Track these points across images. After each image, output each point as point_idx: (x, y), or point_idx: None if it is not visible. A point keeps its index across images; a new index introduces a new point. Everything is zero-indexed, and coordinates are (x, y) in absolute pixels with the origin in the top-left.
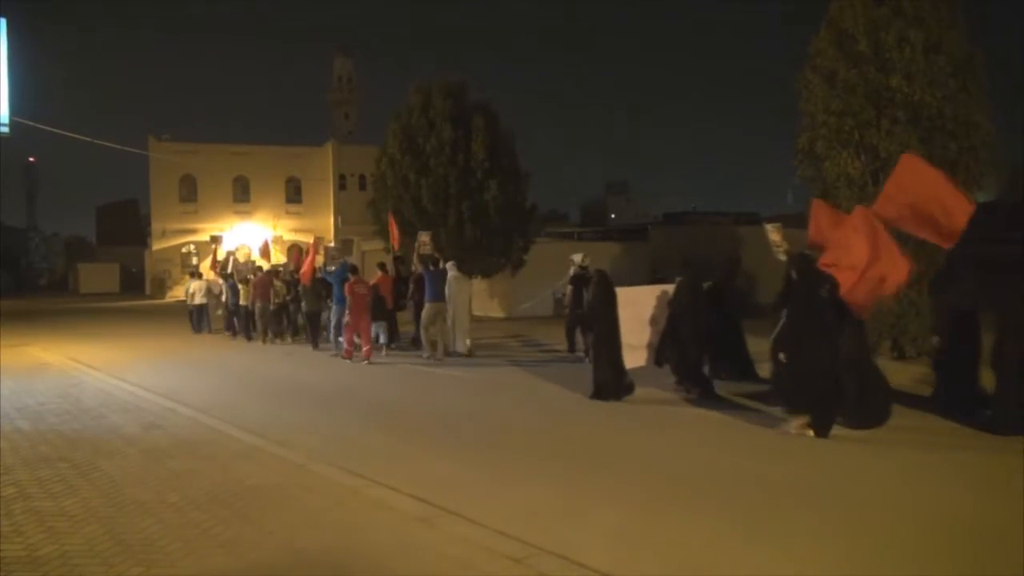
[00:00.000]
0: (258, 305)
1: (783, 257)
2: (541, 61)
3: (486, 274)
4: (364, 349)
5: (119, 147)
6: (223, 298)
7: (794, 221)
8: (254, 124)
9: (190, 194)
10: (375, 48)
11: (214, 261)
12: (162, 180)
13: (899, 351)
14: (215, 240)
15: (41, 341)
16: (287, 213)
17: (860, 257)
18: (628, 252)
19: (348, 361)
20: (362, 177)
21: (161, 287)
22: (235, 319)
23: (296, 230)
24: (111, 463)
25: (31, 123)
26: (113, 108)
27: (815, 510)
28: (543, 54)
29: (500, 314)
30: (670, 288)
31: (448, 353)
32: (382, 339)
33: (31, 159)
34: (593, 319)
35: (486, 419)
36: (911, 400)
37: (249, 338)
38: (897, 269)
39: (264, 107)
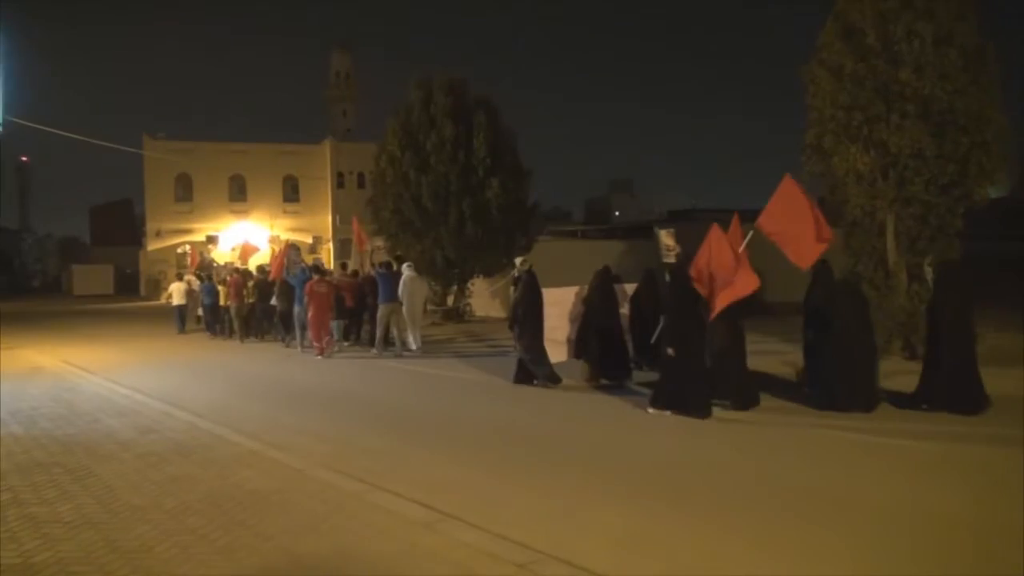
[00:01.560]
0: (233, 305)
1: (673, 260)
2: (543, 56)
3: (487, 274)
4: (321, 343)
5: (113, 146)
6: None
7: None
8: (250, 122)
9: (186, 193)
10: (374, 43)
11: (193, 262)
12: (157, 179)
13: (911, 351)
14: (211, 240)
15: (35, 344)
16: (284, 212)
17: (710, 267)
18: (633, 250)
19: (319, 357)
20: (361, 175)
21: (156, 288)
22: (211, 319)
23: (294, 229)
24: (106, 468)
25: (24, 122)
26: (107, 107)
27: (835, 516)
28: (545, 49)
29: (501, 314)
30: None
31: (405, 349)
32: (335, 335)
33: (24, 158)
34: (519, 316)
35: (480, 419)
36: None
37: (226, 336)
38: (745, 280)
39: (261, 104)
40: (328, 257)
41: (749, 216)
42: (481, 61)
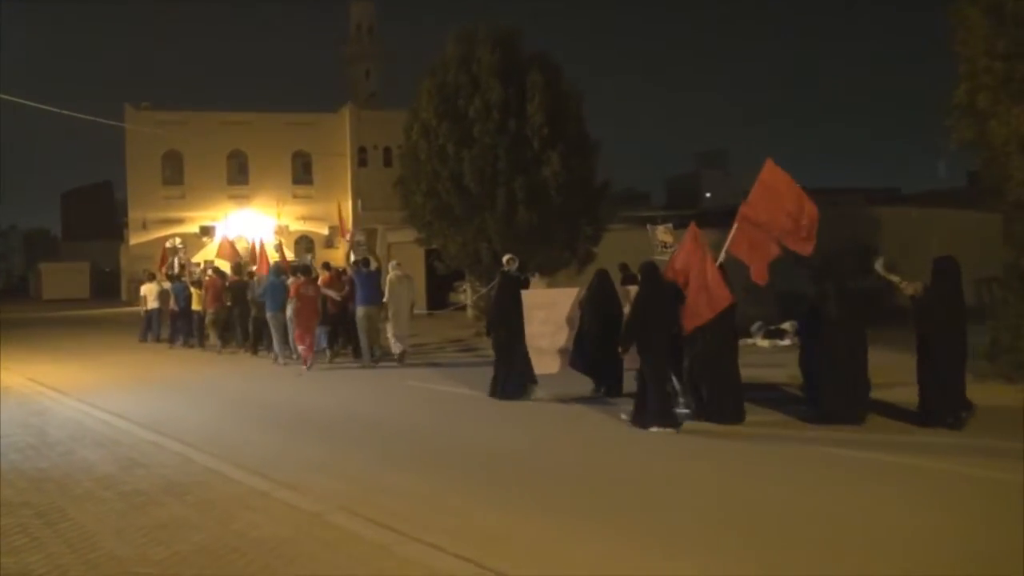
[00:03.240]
0: (210, 311)
1: (668, 259)
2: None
3: (545, 271)
4: (311, 350)
5: (89, 118)
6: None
7: (945, 199)
8: (253, 86)
9: (175, 175)
10: None
11: (163, 261)
12: (141, 158)
13: None
14: (205, 232)
15: None
16: (294, 197)
17: (688, 274)
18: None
19: (304, 367)
20: (387, 150)
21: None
22: (177, 325)
23: (305, 218)
24: (83, 510)
25: None
26: (82, 75)
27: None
28: None
29: None
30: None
31: (385, 357)
32: (323, 343)
33: None
34: (495, 321)
35: (504, 446)
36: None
37: (195, 346)
38: (718, 295)
39: (265, 67)
40: (346, 252)
41: (883, 198)
42: (537, 5)
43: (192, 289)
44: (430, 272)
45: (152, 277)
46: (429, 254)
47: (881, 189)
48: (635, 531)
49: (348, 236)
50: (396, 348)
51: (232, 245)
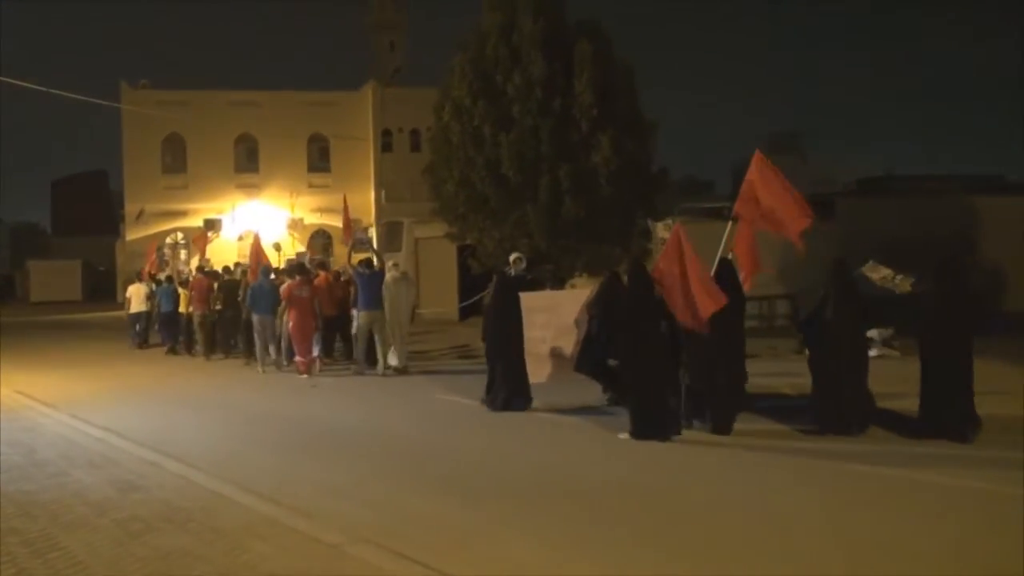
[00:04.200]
0: (198, 314)
1: None
2: None
3: (593, 271)
4: (310, 357)
5: (81, 98)
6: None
7: None
8: (263, 62)
9: (177, 162)
10: None
11: (150, 260)
12: (139, 143)
13: None
14: (210, 225)
15: None
16: (310, 187)
17: (672, 275)
18: (804, 235)
19: (305, 376)
20: (415, 133)
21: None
22: (168, 331)
23: (322, 209)
24: (75, 538)
25: None
26: (74, 50)
27: None
28: None
29: None
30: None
31: (387, 367)
32: (315, 351)
33: None
34: (489, 326)
35: (535, 465)
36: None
37: (190, 351)
38: (711, 296)
39: (278, 39)
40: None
41: (984, 187)
42: None
43: (181, 290)
44: (463, 271)
45: (140, 277)
46: (462, 251)
47: (981, 176)
48: (675, 557)
49: (347, 236)
50: (393, 359)
51: (205, 236)
